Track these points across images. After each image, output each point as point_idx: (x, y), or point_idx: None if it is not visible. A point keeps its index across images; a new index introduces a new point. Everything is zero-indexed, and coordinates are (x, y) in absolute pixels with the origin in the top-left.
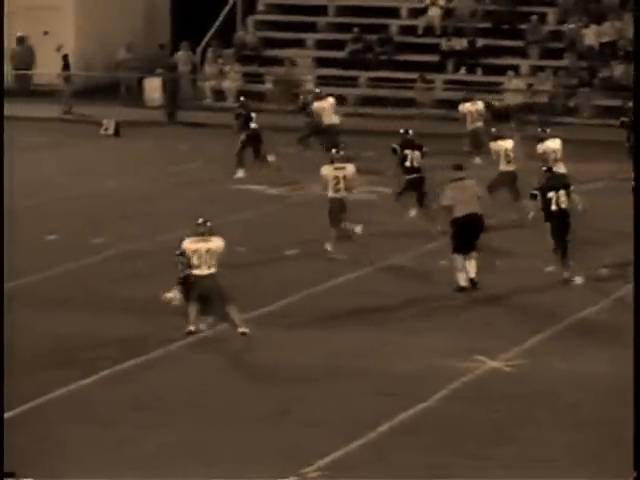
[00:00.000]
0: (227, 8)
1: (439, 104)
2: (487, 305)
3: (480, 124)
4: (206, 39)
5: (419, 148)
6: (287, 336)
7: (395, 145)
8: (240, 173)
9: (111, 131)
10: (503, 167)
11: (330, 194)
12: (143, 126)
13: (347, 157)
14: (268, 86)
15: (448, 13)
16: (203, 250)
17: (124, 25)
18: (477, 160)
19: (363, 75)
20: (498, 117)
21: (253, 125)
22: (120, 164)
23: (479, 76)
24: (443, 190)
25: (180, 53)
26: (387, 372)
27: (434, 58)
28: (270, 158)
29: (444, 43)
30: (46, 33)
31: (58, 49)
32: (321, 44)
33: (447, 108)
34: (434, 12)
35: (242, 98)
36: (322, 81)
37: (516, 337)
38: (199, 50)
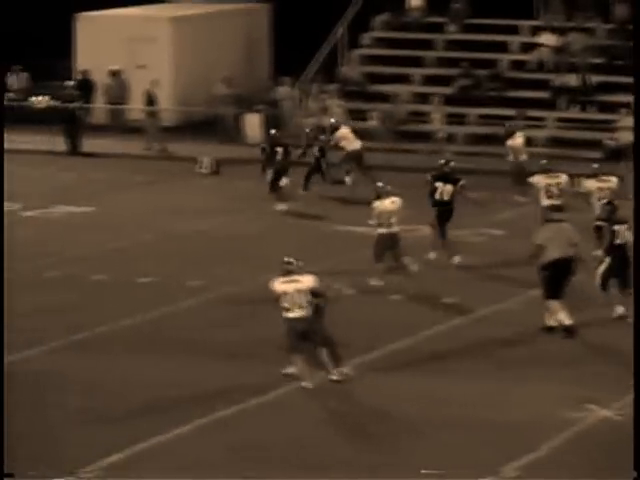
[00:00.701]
0: (330, 42)
1: (549, 142)
2: (594, 353)
3: (524, 158)
4: (308, 74)
5: (453, 182)
6: (392, 383)
7: (429, 177)
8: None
9: (207, 169)
10: (545, 203)
11: (381, 229)
12: (242, 164)
13: (389, 191)
14: (373, 123)
15: (560, 48)
16: (292, 291)
17: (223, 59)
18: (519, 198)
19: (472, 112)
20: (611, 156)
21: (278, 159)
22: (218, 203)
23: (592, 113)
24: (538, 229)
25: (281, 88)
26: (496, 421)
27: (545, 95)
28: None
29: (556, 79)
30: (141, 67)
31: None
32: (428, 79)
33: (558, 147)
34: (546, 47)
35: (272, 132)
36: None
37: (626, 385)
38: (300, 85)
